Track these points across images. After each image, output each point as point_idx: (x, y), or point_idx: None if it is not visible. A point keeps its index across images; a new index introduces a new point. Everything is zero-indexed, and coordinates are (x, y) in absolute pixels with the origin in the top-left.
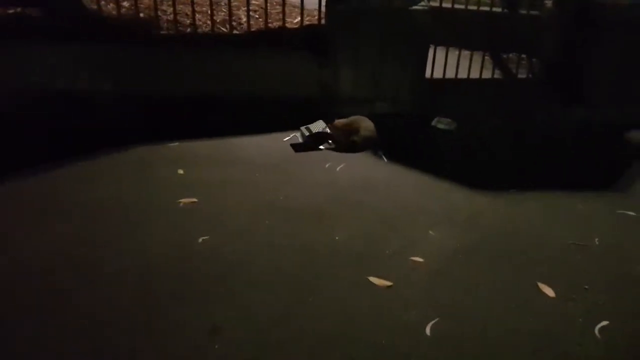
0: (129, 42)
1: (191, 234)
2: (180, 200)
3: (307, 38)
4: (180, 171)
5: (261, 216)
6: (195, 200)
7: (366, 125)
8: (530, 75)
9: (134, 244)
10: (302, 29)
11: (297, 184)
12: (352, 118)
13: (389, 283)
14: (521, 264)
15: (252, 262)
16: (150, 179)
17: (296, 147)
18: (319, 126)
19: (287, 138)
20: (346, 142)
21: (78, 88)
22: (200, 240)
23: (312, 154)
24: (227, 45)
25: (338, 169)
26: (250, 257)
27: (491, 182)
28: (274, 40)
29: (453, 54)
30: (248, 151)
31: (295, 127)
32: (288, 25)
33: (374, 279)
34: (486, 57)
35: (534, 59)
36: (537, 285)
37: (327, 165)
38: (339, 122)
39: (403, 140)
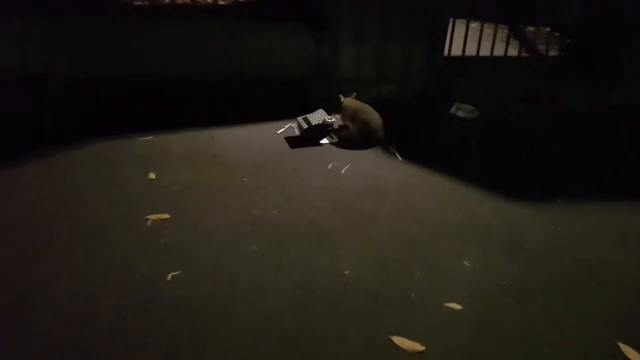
0: (92, 14)
1: (158, 267)
2: (149, 217)
3: (303, 8)
4: (152, 175)
5: (247, 238)
6: (167, 216)
7: (370, 116)
8: (561, 53)
9: (77, 286)
10: None
11: (293, 192)
12: (358, 104)
13: (420, 347)
14: (591, 312)
15: (232, 312)
16: (113, 185)
17: (292, 142)
18: (319, 116)
19: (282, 130)
20: (359, 133)
21: (25, 69)
22: (169, 277)
23: (312, 150)
24: (210, 17)
25: (343, 170)
26: (230, 302)
27: (529, 188)
28: (265, 11)
29: (463, 26)
30: (234, 147)
31: (291, 116)
32: None
33: (398, 340)
34: (505, 31)
35: (557, 33)
36: (618, 347)
37: (329, 166)
38: (348, 102)
39: (417, 133)
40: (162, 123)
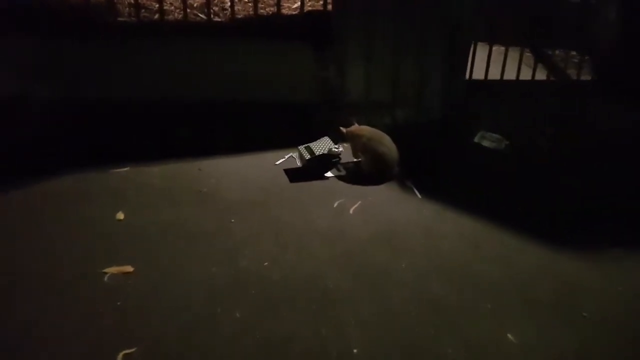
0: (73, 33)
1: (107, 343)
2: (107, 270)
3: (306, 25)
4: (120, 215)
5: (229, 301)
6: (129, 269)
7: (385, 147)
8: (593, 77)
9: None
10: (303, 15)
11: (290, 237)
12: (370, 131)
13: None
14: None
15: None
16: (73, 227)
17: (292, 175)
18: (323, 145)
19: (280, 161)
20: (371, 167)
21: None
22: (120, 357)
23: (315, 185)
24: (205, 37)
25: (352, 210)
26: None
27: (575, 232)
28: (265, 29)
29: (485, 49)
30: (224, 180)
31: (291, 145)
32: (285, 10)
33: None
34: (529, 55)
35: (587, 56)
36: None
37: (335, 204)
38: (357, 129)
39: (438, 165)
40: (143, 152)
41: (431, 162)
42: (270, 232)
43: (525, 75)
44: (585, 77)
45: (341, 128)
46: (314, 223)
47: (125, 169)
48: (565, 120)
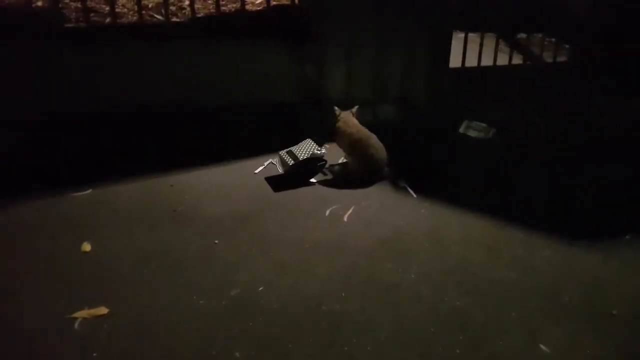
0: (14, 40)
1: None
2: (77, 315)
3: (279, 21)
4: (86, 246)
5: (226, 338)
6: (104, 311)
7: (374, 149)
8: (570, 59)
9: None
10: (268, 10)
11: (284, 256)
12: (358, 131)
13: None
14: None
15: None
16: (30, 264)
17: (275, 183)
18: (306, 149)
19: (260, 168)
20: (359, 169)
21: None
22: None
23: (301, 192)
24: (164, 39)
25: (346, 217)
26: None
27: (584, 224)
28: (229, 28)
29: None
30: (200, 196)
31: (271, 150)
32: (248, 7)
33: None
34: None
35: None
36: None
37: (327, 212)
38: (345, 124)
39: (427, 160)
40: (105, 170)
41: (421, 158)
42: (260, 252)
43: (502, 61)
44: (562, 59)
45: (335, 107)
46: (308, 236)
47: (87, 191)
48: (549, 106)
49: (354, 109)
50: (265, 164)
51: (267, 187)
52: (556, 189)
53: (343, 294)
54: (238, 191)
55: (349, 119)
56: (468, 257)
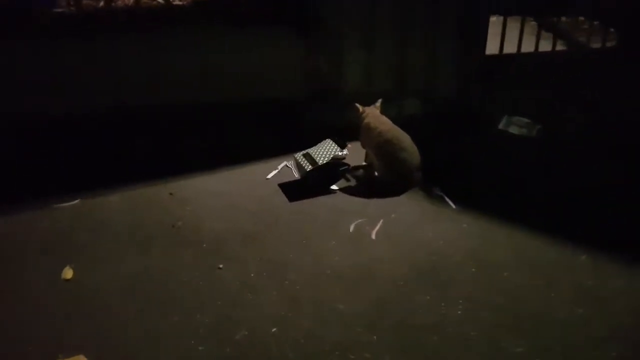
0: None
1: None
2: None
3: (288, 6)
4: (67, 272)
5: None
6: None
7: (407, 153)
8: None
9: None
10: None
11: (302, 287)
12: (389, 129)
13: None
14: None
15: None
16: (2, 297)
17: (290, 192)
18: (326, 151)
19: (273, 173)
20: (389, 176)
21: None
22: None
23: (321, 202)
24: (160, 25)
25: (374, 234)
26: None
27: None
28: (235, 11)
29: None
30: (202, 208)
31: (283, 152)
32: None
33: None
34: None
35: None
36: None
37: (352, 228)
38: (373, 119)
39: (464, 162)
40: (95, 177)
41: (455, 160)
42: (272, 281)
43: (534, 47)
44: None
45: (357, 105)
46: (329, 260)
47: (74, 202)
48: (595, 96)
49: (378, 104)
50: (279, 167)
51: (281, 196)
52: (624, 200)
53: (374, 338)
54: (247, 201)
55: (378, 115)
56: (524, 288)
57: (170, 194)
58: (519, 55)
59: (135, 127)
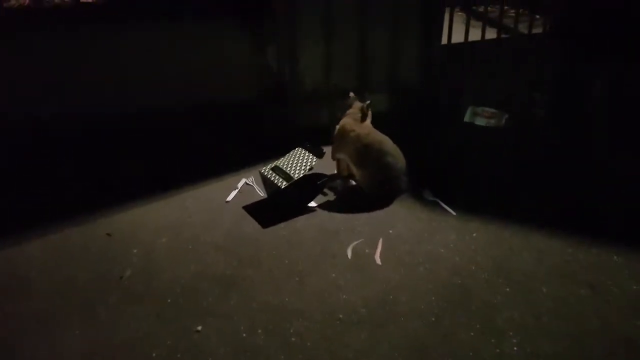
0: None
1: None
2: None
3: None
4: None
5: None
6: None
7: (391, 157)
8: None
9: None
10: None
11: (313, 339)
12: (368, 133)
13: None
14: None
15: None
16: None
17: (261, 216)
18: (299, 162)
19: (233, 194)
20: (373, 186)
21: None
22: None
23: (302, 224)
24: (90, 23)
25: (378, 257)
26: None
27: None
28: (174, 4)
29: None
30: (153, 248)
31: (242, 165)
32: None
33: None
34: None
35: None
36: None
37: (349, 253)
38: (351, 122)
39: (440, 158)
40: (8, 214)
41: (435, 159)
42: (274, 338)
43: (477, 36)
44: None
45: (351, 94)
46: (336, 299)
47: None
48: (552, 82)
49: (365, 104)
50: (239, 185)
51: (251, 222)
52: (608, 185)
53: None
54: (210, 234)
55: (358, 116)
56: (571, 305)
57: (108, 234)
58: (467, 44)
59: (47, 145)
